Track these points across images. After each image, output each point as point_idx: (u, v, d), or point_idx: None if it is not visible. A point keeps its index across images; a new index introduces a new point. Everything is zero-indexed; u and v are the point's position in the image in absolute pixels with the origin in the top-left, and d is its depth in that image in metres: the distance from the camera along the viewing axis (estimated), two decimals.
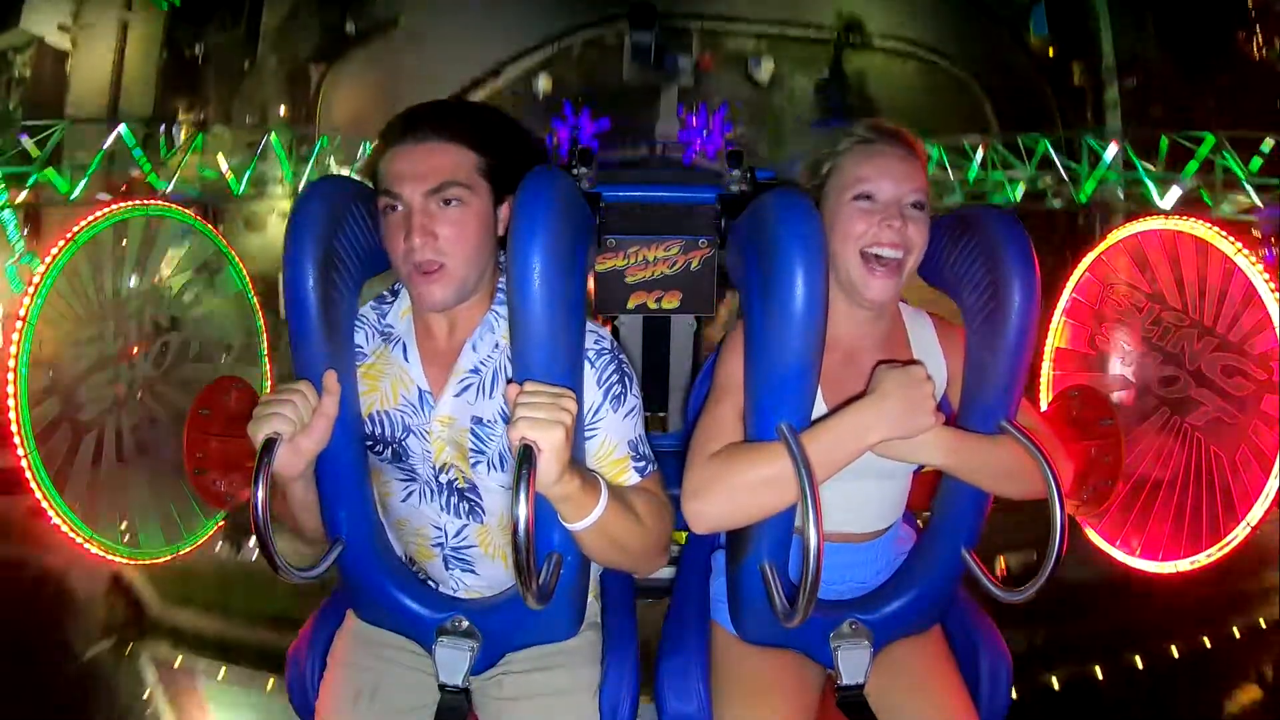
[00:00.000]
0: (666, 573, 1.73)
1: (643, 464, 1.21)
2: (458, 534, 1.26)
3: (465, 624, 1.26)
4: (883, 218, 1.19)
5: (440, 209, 1.14)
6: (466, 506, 1.25)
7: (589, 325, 1.21)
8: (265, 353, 1.81)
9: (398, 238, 1.14)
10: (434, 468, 1.23)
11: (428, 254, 1.13)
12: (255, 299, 1.78)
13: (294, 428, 1.08)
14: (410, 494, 1.26)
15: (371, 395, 1.24)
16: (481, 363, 1.22)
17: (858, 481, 1.25)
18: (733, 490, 1.14)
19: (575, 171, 1.77)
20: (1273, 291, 1.32)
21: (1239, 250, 1.36)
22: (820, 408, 1.23)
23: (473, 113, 1.21)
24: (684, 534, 1.69)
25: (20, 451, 1.28)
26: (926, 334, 1.31)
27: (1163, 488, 1.51)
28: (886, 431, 1.10)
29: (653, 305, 1.91)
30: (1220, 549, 1.42)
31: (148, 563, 1.50)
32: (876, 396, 1.10)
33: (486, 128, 1.20)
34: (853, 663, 1.30)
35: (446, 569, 1.29)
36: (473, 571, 1.29)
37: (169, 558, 1.54)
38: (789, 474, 1.08)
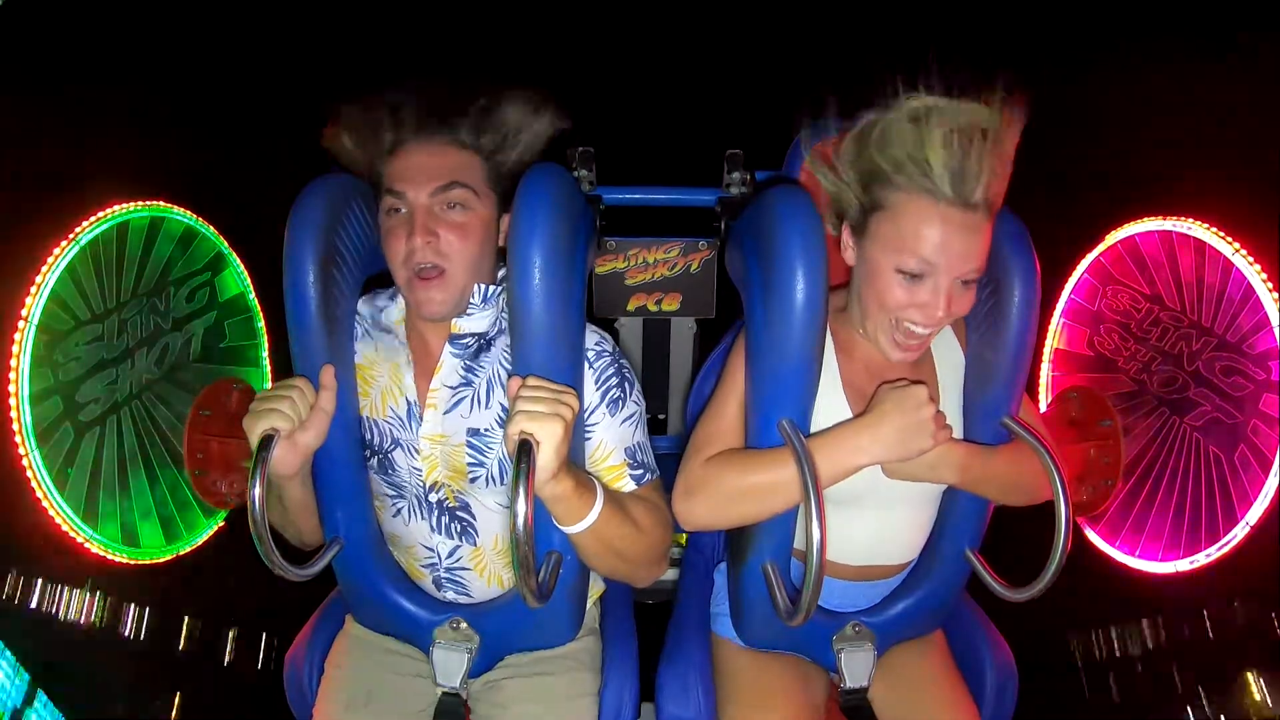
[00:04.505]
0: (669, 574, 1.73)
1: (640, 472, 1.20)
2: (450, 555, 1.25)
3: (463, 625, 1.26)
4: (928, 303, 1.07)
5: (444, 211, 1.13)
6: (459, 527, 1.23)
7: (590, 327, 1.21)
8: (266, 354, 1.81)
9: (399, 240, 1.13)
10: (423, 485, 1.22)
11: (429, 256, 1.12)
12: (256, 300, 1.79)
13: (291, 423, 1.07)
14: (399, 510, 1.25)
15: (363, 400, 1.23)
16: (472, 371, 1.20)
17: (886, 512, 1.24)
18: (726, 494, 1.14)
19: (576, 174, 1.77)
20: (1271, 291, 1.33)
21: (1237, 250, 1.37)
22: (846, 413, 1.21)
23: (487, 112, 1.18)
24: (684, 536, 1.69)
25: (20, 451, 1.27)
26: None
27: (1161, 488, 1.52)
28: (881, 454, 1.09)
29: (653, 307, 1.92)
30: (1219, 549, 1.42)
31: (148, 563, 1.49)
32: (873, 418, 1.09)
33: (500, 130, 1.18)
34: (856, 666, 1.30)
35: (439, 590, 1.27)
36: (467, 595, 1.27)
37: (169, 558, 1.53)
38: (784, 483, 1.08)
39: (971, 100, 1.02)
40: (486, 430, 1.19)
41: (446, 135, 1.15)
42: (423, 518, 1.24)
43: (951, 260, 1.04)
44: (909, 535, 1.28)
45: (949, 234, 1.02)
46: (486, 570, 1.25)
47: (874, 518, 1.23)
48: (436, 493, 1.22)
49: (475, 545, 1.24)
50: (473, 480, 1.20)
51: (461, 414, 1.19)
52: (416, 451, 1.20)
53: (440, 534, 1.24)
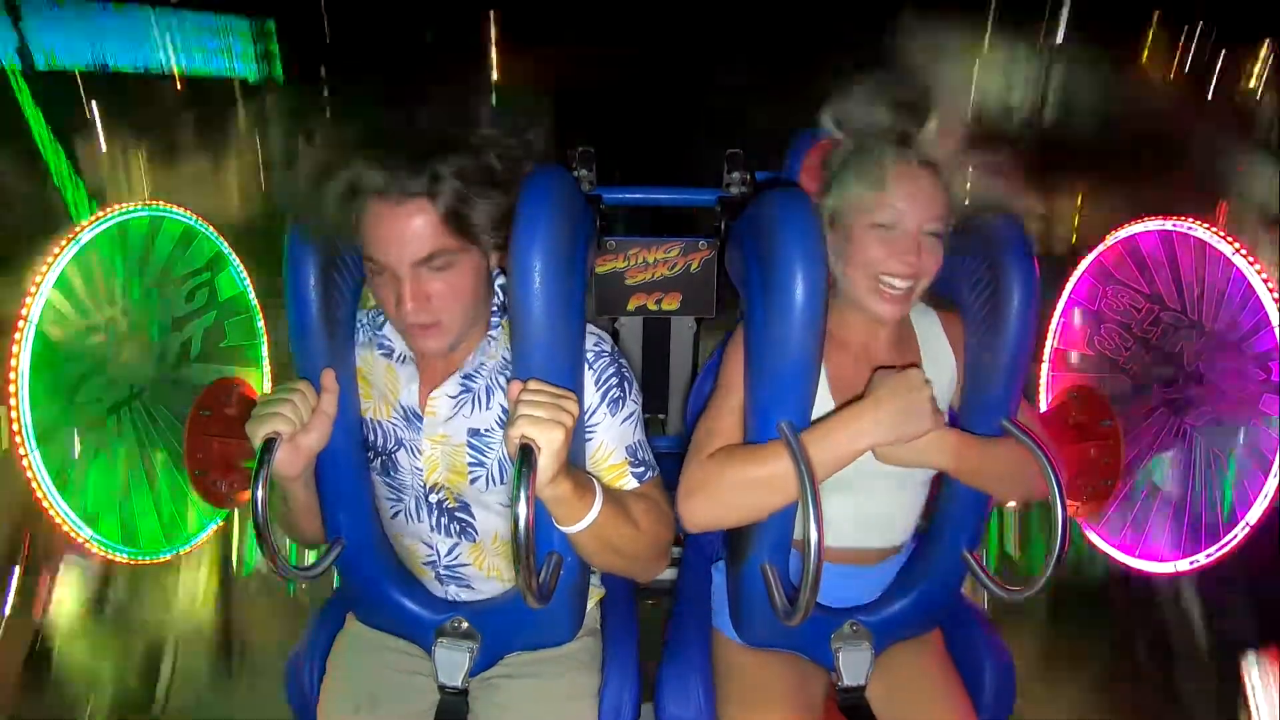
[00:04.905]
0: (668, 574, 1.73)
1: (642, 470, 1.20)
2: (450, 553, 1.25)
3: (464, 625, 1.27)
4: (900, 248, 1.16)
5: (431, 274, 1.07)
6: (458, 526, 1.24)
7: (589, 327, 1.21)
8: (265, 354, 1.81)
9: (388, 297, 1.09)
10: (423, 486, 1.22)
11: (422, 317, 1.08)
12: (255, 300, 1.79)
13: (293, 427, 1.08)
14: (398, 512, 1.25)
15: (365, 402, 1.23)
16: (469, 377, 1.20)
17: (871, 494, 1.25)
18: (726, 490, 1.14)
19: (576, 173, 1.77)
20: (1270, 292, 1.33)
21: (1237, 250, 1.37)
22: (828, 401, 1.23)
23: (458, 150, 1.05)
24: (684, 535, 1.69)
25: (20, 451, 1.28)
26: (934, 330, 1.32)
27: (1161, 488, 1.52)
28: (882, 436, 1.10)
29: (653, 307, 1.92)
30: (1219, 549, 1.42)
31: (148, 563, 1.50)
32: (872, 401, 1.10)
33: (475, 169, 1.06)
34: (853, 664, 1.30)
35: (441, 585, 1.28)
36: (469, 587, 1.28)
37: (169, 558, 1.54)
38: (782, 476, 1.09)
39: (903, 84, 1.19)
40: (487, 431, 1.19)
41: (420, 188, 1.03)
42: (423, 518, 1.24)
43: (916, 208, 1.15)
44: (897, 519, 1.30)
45: (910, 185, 1.15)
46: (486, 564, 1.26)
47: (861, 501, 1.24)
48: (436, 493, 1.23)
49: (474, 542, 1.25)
50: (473, 481, 1.20)
51: (464, 415, 1.20)
52: (419, 452, 1.21)
53: (440, 533, 1.25)
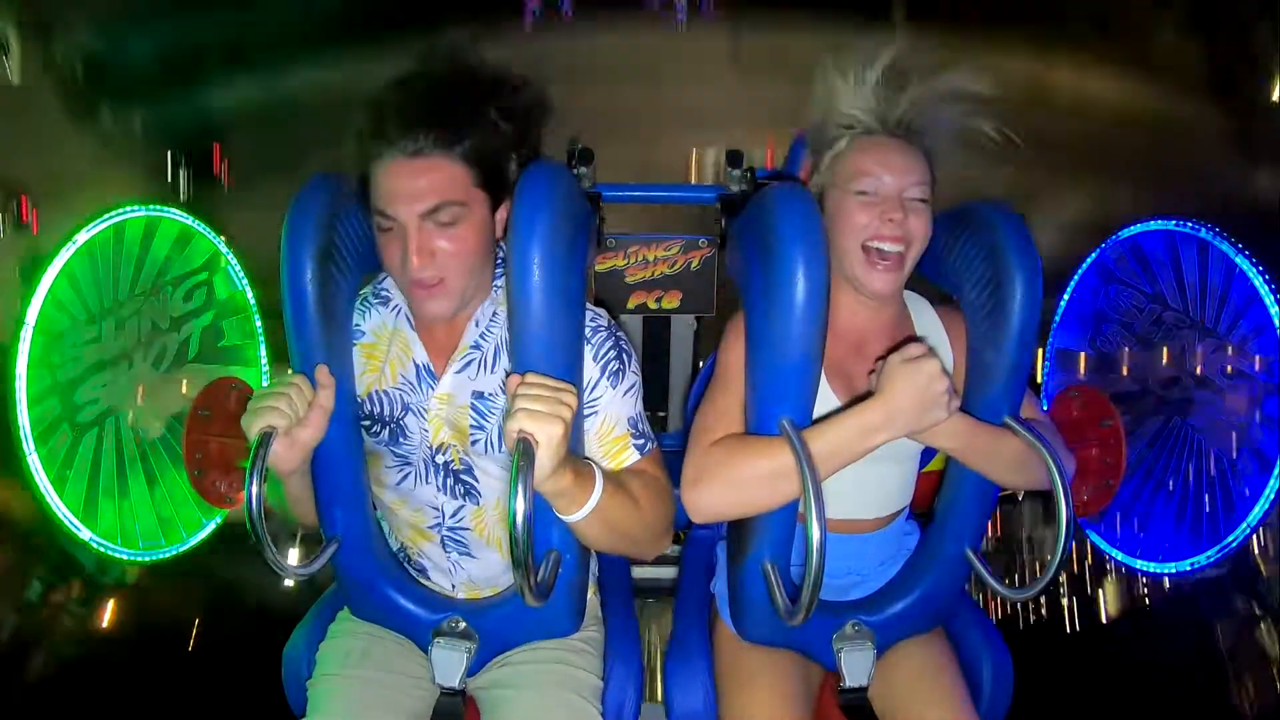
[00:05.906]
0: (669, 572, 1.74)
1: (643, 441, 1.20)
2: (454, 515, 1.26)
3: (462, 625, 1.26)
4: (883, 210, 1.18)
5: (437, 227, 1.10)
6: (463, 489, 1.24)
7: (586, 305, 1.20)
8: (262, 353, 1.81)
9: (394, 254, 1.12)
10: (430, 448, 1.23)
11: (427, 272, 1.11)
12: (252, 299, 1.78)
13: (289, 421, 1.08)
14: (406, 476, 1.26)
15: (371, 375, 1.23)
16: (482, 336, 1.21)
17: (864, 466, 1.24)
18: (733, 481, 1.13)
19: (575, 171, 1.76)
20: (1273, 294, 1.32)
21: (1240, 251, 1.36)
22: (830, 398, 1.22)
23: (468, 111, 1.12)
24: (683, 533, 1.69)
25: (20, 453, 1.27)
26: (932, 322, 1.31)
27: (1163, 489, 1.51)
28: (898, 432, 1.09)
29: (653, 305, 1.91)
30: (1220, 550, 1.42)
31: (148, 563, 1.50)
32: (885, 398, 1.08)
33: (484, 130, 1.13)
34: (856, 665, 1.30)
35: (445, 551, 1.29)
36: (470, 556, 1.28)
37: (169, 558, 1.54)
38: (791, 468, 1.07)
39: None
40: (490, 395, 1.20)
41: (432, 143, 1.08)
42: (430, 480, 1.25)
43: (895, 173, 1.19)
44: (883, 492, 1.30)
45: (887, 153, 1.20)
46: (487, 532, 1.26)
47: (855, 472, 1.20)
48: (443, 454, 1.23)
49: (478, 505, 1.25)
50: (474, 443, 1.21)
51: (469, 376, 1.21)
52: (425, 412, 1.22)
53: (446, 494, 1.25)
